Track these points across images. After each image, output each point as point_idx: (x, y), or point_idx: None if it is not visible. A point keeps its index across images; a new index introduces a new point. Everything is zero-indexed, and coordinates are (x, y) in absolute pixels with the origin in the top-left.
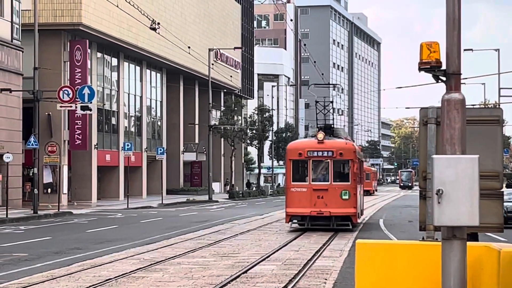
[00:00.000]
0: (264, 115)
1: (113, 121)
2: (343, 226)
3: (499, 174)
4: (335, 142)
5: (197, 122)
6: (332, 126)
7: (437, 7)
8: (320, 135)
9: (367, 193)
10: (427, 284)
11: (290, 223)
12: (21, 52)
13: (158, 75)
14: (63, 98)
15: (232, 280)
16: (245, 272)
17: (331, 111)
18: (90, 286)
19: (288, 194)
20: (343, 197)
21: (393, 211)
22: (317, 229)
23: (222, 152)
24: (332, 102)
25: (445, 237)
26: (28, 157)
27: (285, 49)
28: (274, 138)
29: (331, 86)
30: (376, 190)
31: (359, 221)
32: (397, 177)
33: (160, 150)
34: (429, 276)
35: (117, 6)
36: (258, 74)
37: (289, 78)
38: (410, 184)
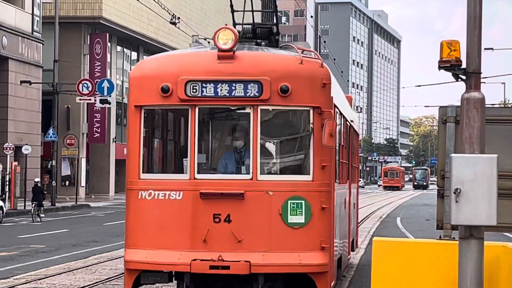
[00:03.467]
0: None
1: None
2: None
3: None
4: (269, 57)
5: None
6: (274, 27)
7: (458, 6)
8: (226, 36)
9: (396, 188)
10: (444, 283)
11: None
12: (41, 45)
13: None
14: (82, 91)
15: None
16: None
17: None
18: (106, 279)
19: (131, 212)
20: (290, 219)
21: (410, 209)
22: None
23: None
24: None
25: (462, 236)
26: (46, 150)
27: None
28: None
29: None
30: (404, 186)
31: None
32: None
33: None
34: (446, 275)
35: (138, 0)
36: None
37: None
38: (425, 184)
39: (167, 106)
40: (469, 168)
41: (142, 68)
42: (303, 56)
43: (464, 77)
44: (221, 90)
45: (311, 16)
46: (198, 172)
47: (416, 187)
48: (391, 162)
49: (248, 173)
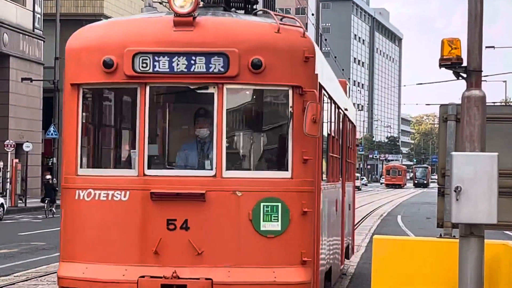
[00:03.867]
0: None
1: None
2: None
3: None
4: (238, 24)
5: None
6: None
7: (459, 4)
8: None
9: (398, 186)
10: (444, 281)
11: None
12: (42, 42)
13: None
14: None
15: None
16: None
17: None
18: None
19: (67, 216)
20: (263, 226)
21: (411, 207)
22: None
23: None
24: None
25: (463, 234)
26: (47, 147)
27: None
28: None
29: None
30: (405, 184)
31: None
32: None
33: None
34: (446, 273)
35: None
36: None
37: None
38: (425, 182)
39: (111, 84)
40: (470, 166)
41: (81, 37)
42: (280, 24)
43: (465, 75)
44: (178, 64)
45: (312, 14)
46: (149, 167)
47: (416, 185)
48: (392, 160)
49: (211, 168)
